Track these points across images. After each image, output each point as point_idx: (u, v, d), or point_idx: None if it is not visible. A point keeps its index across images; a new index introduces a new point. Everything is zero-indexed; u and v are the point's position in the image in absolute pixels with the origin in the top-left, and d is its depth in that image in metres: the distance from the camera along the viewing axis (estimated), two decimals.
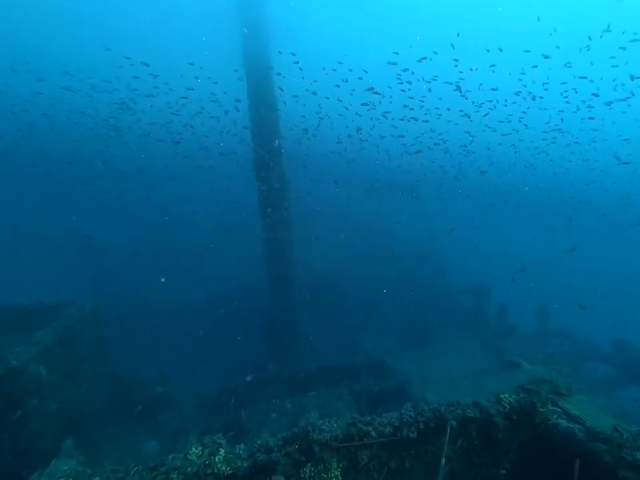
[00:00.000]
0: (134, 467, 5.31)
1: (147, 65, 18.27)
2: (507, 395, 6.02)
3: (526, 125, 24.74)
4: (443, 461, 5.40)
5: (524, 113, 26.52)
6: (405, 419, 5.77)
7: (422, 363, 15.33)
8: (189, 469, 4.81)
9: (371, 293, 21.41)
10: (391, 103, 23.74)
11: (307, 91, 19.81)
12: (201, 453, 5.19)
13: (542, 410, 5.69)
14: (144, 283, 21.56)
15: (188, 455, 5.20)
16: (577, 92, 24.39)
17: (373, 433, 5.63)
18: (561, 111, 27.40)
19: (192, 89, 18.56)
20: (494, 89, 21.46)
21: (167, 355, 16.29)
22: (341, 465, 5.50)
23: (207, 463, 5.07)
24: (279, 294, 16.02)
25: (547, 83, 23.82)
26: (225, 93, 19.31)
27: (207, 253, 23.85)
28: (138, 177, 31.56)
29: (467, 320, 19.18)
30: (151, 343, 17.10)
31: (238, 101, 17.07)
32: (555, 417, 5.58)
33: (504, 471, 5.90)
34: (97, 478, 5.16)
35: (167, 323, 18.47)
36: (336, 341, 18.15)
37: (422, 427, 5.73)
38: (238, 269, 21.87)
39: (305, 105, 24.24)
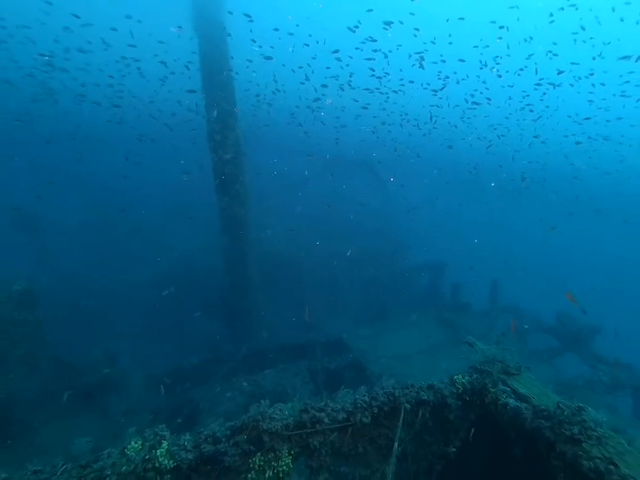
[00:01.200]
0: (62, 466, 4.78)
1: (77, 17, 16.30)
2: (460, 377, 6.02)
3: (489, 100, 24.78)
4: (396, 444, 5.33)
5: (487, 89, 26.64)
6: (358, 404, 5.64)
7: (377, 339, 15.48)
8: (124, 468, 4.43)
9: (329, 270, 21.32)
10: (351, 77, 23.17)
11: (262, 56, 18.63)
12: (140, 447, 4.81)
13: (492, 390, 5.73)
14: (90, 261, 20.34)
15: (126, 450, 4.81)
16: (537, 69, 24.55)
17: (326, 420, 5.47)
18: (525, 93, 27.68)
19: (134, 46, 16.74)
20: (459, 62, 21.22)
21: (117, 336, 15.52)
22: (292, 452, 5.32)
23: (146, 457, 4.71)
24: (235, 272, 15.55)
25: (506, 57, 23.82)
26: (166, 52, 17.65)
27: (160, 229, 22.76)
28: (73, 144, 29.08)
29: (422, 297, 19.56)
30: (99, 324, 16.21)
31: (187, 67, 15.89)
32: (504, 396, 5.64)
33: (454, 449, 5.96)
34: None
35: (117, 303, 17.56)
36: (293, 319, 18.01)
37: (376, 411, 5.63)
38: (192, 246, 21.05)
39: (254, 72, 22.80)
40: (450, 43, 21.95)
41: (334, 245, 22.11)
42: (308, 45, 20.28)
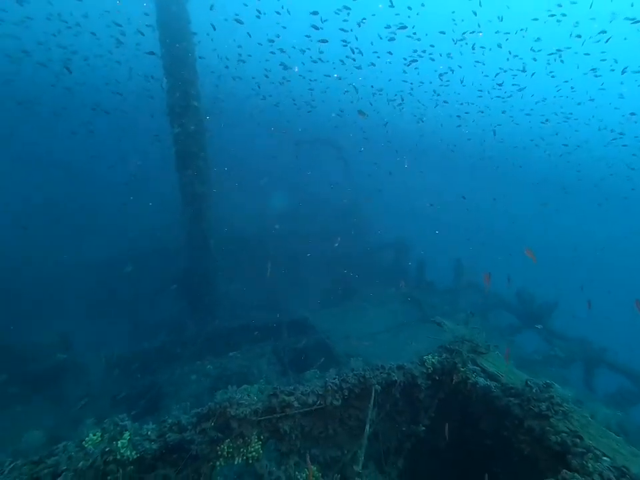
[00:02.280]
0: (10, 464, 4.35)
1: None
2: (429, 357, 6.05)
3: (461, 82, 24.84)
4: (367, 426, 5.29)
5: (460, 67, 26.66)
6: (329, 387, 5.55)
7: (343, 318, 15.54)
8: (82, 463, 4.12)
9: (294, 249, 21.11)
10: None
11: (226, 20, 17.54)
12: (99, 439, 4.51)
13: (462, 369, 5.78)
14: (41, 240, 19.08)
15: (83, 443, 4.50)
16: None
17: (296, 403, 5.34)
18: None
19: None
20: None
21: (72, 319, 14.72)
22: (261, 438, 5.18)
23: (107, 449, 4.42)
24: (196, 251, 15.03)
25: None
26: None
27: (117, 207, 21.61)
28: (21, 113, 26.82)
29: (387, 276, 19.77)
30: (52, 307, 15.30)
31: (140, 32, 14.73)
32: (474, 375, 5.70)
33: (423, 428, 6.02)
34: None
35: (72, 284, 16.62)
36: (257, 300, 17.76)
37: (346, 393, 5.56)
38: (152, 224, 20.18)
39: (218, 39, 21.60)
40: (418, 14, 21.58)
41: (298, 224, 21.87)
42: (279, 14, 19.29)
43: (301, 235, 21.33)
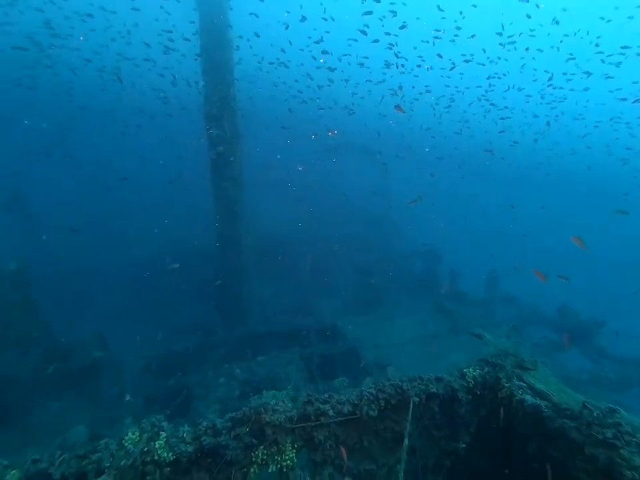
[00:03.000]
0: (60, 456, 4.58)
1: None
2: (470, 370, 5.80)
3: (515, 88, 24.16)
4: (406, 440, 5.11)
5: (506, 73, 25.93)
6: (365, 396, 5.41)
7: (373, 326, 15.29)
8: (123, 462, 4.14)
9: (324, 255, 21.02)
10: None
11: (256, 37, 17.79)
12: (138, 438, 4.53)
13: (507, 385, 5.51)
14: (82, 241, 19.72)
15: (123, 442, 4.53)
16: None
17: (331, 412, 5.23)
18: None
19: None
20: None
21: (108, 317, 15.09)
22: (295, 446, 5.09)
23: (145, 450, 4.44)
24: (228, 254, 15.14)
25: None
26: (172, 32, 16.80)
27: (152, 210, 22.15)
28: (74, 121, 28.09)
29: (418, 284, 19.38)
30: (90, 305, 15.75)
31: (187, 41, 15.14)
32: (520, 392, 5.40)
33: (464, 445, 5.77)
34: (15, 471, 4.39)
35: (108, 284, 17.08)
36: (287, 304, 17.73)
37: (383, 404, 5.40)
38: (185, 227, 20.53)
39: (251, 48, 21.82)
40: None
41: (330, 230, 21.78)
42: (325, 20, 19.22)
43: (332, 240, 21.24)
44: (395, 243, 23.79)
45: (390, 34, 17.58)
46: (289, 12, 20.96)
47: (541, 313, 16.07)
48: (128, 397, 9.59)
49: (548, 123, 29.85)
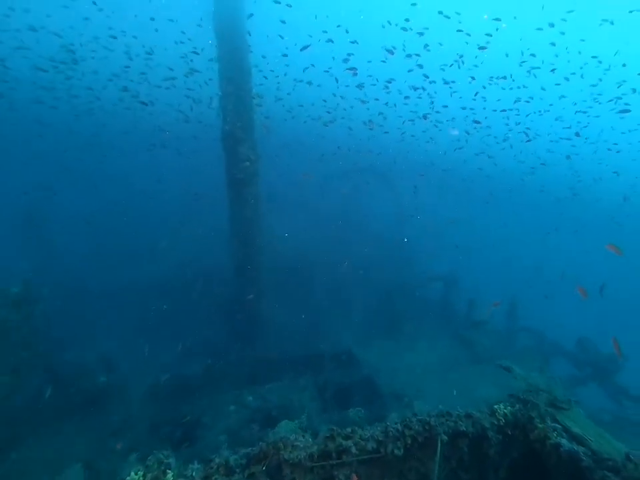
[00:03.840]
0: None
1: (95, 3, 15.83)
2: (501, 406, 5.34)
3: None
4: None
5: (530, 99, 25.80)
6: (390, 433, 5.00)
7: (389, 353, 14.84)
8: None
9: (339, 279, 20.69)
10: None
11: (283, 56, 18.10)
12: (142, 478, 4.19)
13: (541, 426, 5.04)
14: (90, 260, 19.74)
15: None
16: None
17: (354, 449, 4.82)
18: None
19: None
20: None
21: (115, 340, 14.85)
22: None
23: None
24: (244, 276, 14.93)
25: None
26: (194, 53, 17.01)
27: (166, 229, 22.15)
28: (92, 140, 28.66)
29: (435, 311, 18.86)
30: (96, 327, 15.54)
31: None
32: (554, 435, 4.91)
33: None
34: None
35: (120, 304, 16.91)
36: (302, 328, 17.33)
37: (409, 441, 4.98)
38: (199, 247, 20.43)
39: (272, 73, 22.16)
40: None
41: (345, 254, 21.51)
42: (356, 43, 19.44)
43: (346, 265, 20.92)
44: (411, 268, 23.35)
45: (413, 55, 17.73)
46: (311, 35, 21.35)
47: (560, 345, 15.33)
48: (119, 446, 9.14)
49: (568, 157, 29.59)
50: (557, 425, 5.06)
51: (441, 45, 25.32)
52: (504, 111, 25.28)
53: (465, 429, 5.12)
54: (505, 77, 24.10)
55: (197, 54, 15.78)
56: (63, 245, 21.53)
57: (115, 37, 17.87)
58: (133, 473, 4.10)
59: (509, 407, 5.37)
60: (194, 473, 4.45)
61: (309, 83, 21.29)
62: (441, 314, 18.33)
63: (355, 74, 14.95)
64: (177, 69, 17.92)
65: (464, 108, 25.70)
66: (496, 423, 5.23)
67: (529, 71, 24.44)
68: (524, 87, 24.61)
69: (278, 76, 21.84)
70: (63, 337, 12.57)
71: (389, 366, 13.72)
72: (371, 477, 5.06)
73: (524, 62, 22.63)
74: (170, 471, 4.25)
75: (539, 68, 24.64)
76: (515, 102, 23.67)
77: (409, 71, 19.68)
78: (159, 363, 13.55)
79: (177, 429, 10.51)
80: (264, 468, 4.46)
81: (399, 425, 5.09)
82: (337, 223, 23.61)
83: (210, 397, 12.06)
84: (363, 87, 20.36)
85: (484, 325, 16.24)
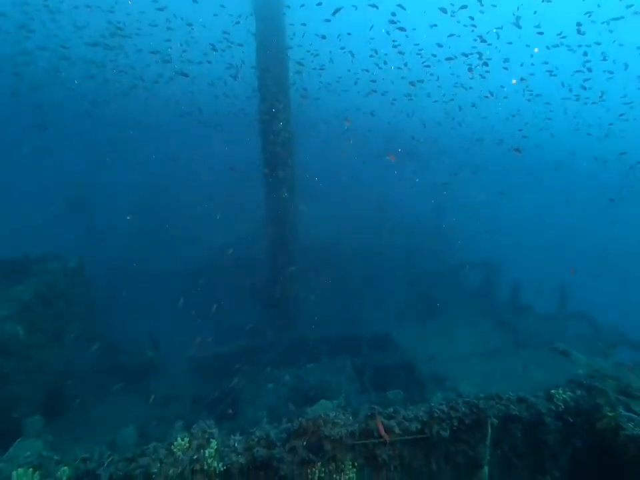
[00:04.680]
0: (108, 457, 4.40)
1: None
2: (560, 391, 4.97)
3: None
4: (486, 468, 4.42)
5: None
6: (435, 414, 4.78)
7: (428, 338, 14.43)
8: (172, 470, 3.80)
9: (375, 263, 20.36)
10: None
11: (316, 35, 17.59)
12: (187, 445, 4.19)
13: (611, 414, 4.62)
14: (138, 242, 20.36)
15: (172, 448, 4.21)
16: None
17: (397, 429, 4.64)
18: None
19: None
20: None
21: (159, 318, 15.32)
22: (355, 464, 4.55)
23: (195, 458, 4.10)
24: (279, 258, 14.91)
25: None
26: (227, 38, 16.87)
27: (205, 213, 22.49)
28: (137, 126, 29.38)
29: (475, 296, 18.22)
30: (143, 306, 16.08)
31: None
32: (630, 425, 4.46)
33: None
34: (65, 468, 4.23)
35: (160, 285, 17.40)
36: (336, 312, 17.20)
37: (455, 423, 4.74)
38: (237, 230, 20.62)
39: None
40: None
41: (382, 237, 21.10)
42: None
43: (381, 248, 20.54)
44: (450, 252, 22.65)
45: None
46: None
47: (621, 333, 14.32)
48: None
49: None
50: (631, 415, 4.60)
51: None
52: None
53: (517, 413, 4.82)
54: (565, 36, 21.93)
55: (238, 23, 15.52)
56: (111, 228, 22.30)
57: (161, 9, 17.84)
58: (179, 439, 4.13)
59: (569, 392, 4.99)
60: (236, 444, 4.42)
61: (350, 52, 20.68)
62: (482, 300, 17.66)
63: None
64: (216, 43, 17.77)
65: (523, 79, 23.90)
66: (554, 408, 4.89)
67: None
68: (596, 44, 22.09)
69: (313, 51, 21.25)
70: (114, 314, 13.09)
71: (427, 350, 13.37)
72: (416, 457, 4.88)
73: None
74: (214, 440, 4.23)
75: None
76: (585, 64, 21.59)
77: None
78: (198, 342, 13.86)
79: (218, 403, 10.71)
80: (304, 443, 4.36)
81: (444, 406, 4.87)
82: (374, 206, 23.14)
83: (248, 376, 12.20)
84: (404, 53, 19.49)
85: (529, 310, 15.49)
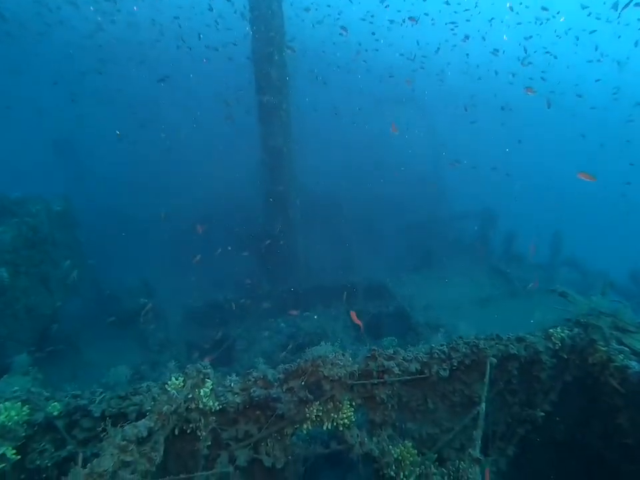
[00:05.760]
0: (100, 394, 4.33)
1: None
2: (558, 330, 4.94)
3: None
4: (483, 405, 4.43)
5: None
6: (435, 354, 4.73)
7: (423, 286, 14.46)
8: (166, 407, 3.72)
9: (371, 213, 20.12)
10: None
11: None
12: (182, 384, 4.11)
13: (604, 348, 4.64)
14: (131, 189, 19.78)
15: (167, 387, 4.13)
16: None
17: (396, 370, 4.60)
18: None
19: None
20: None
21: (153, 265, 15.15)
22: (354, 404, 4.53)
23: (190, 396, 4.02)
24: (274, 208, 14.60)
25: None
26: None
27: (200, 160, 21.75)
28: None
29: (470, 246, 18.20)
30: (136, 252, 15.84)
31: None
32: (621, 357, 4.55)
33: (542, 414, 5.02)
34: (56, 403, 4.16)
35: (155, 233, 17.09)
36: (333, 261, 17.13)
37: (455, 364, 4.71)
38: (232, 179, 20.05)
39: None
40: None
41: (377, 187, 20.70)
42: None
43: (378, 197, 20.21)
44: (444, 201, 22.40)
45: None
46: None
47: (608, 277, 14.53)
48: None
49: None
50: (623, 348, 4.68)
51: None
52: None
53: (516, 352, 4.79)
54: None
55: None
56: (101, 171, 21.50)
57: None
58: (173, 378, 4.04)
59: (567, 331, 4.97)
60: (232, 384, 4.37)
61: None
62: (477, 249, 17.65)
63: None
64: None
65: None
66: (551, 346, 4.87)
67: None
68: None
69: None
70: (106, 260, 12.88)
71: (422, 299, 13.42)
72: (413, 397, 4.89)
73: None
74: (209, 380, 4.15)
75: None
76: None
77: None
78: (193, 290, 13.80)
79: (213, 349, 10.79)
80: (302, 383, 4.30)
81: (445, 347, 4.81)
82: (370, 157, 22.50)
83: (244, 324, 12.26)
84: None
85: (522, 259, 15.55)
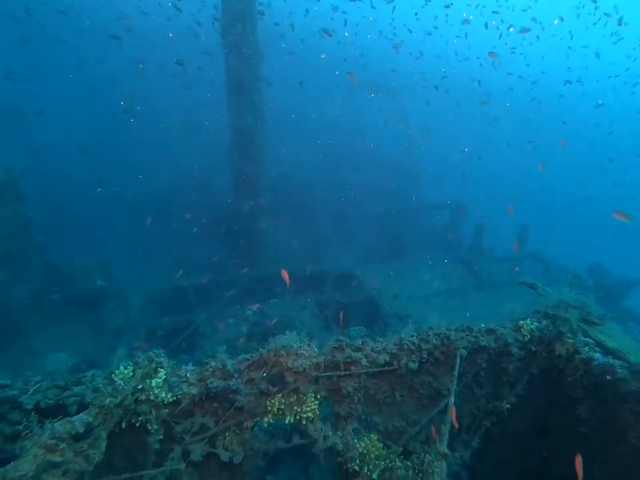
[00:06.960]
0: (35, 384, 3.89)
1: None
2: (528, 322, 4.88)
3: None
4: (452, 398, 4.29)
5: None
6: (405, 346, 4.54)
7: (391, 277, 14.42)
8: (108, 400, 3.34)
9: (342, 202, 19.90)
10: None
11: None
12: (131, 374, 3.74)
13: (571, 341, 4.62)
14: (88, 165, 18.61)
15: (113, 376, 3.75)
16: None
17: (364, 361, 4.38)
18: None
19: None
20: None
21: (112, 247, 14.35)
22: (318, 397, 4.29)
23: (139, 387, 3.66)
24: (242, 192, 14.11)
25: None
26: None
27: (165, 139, 20.78)
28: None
29: (440, 238, 18.32)
30: (93, 233, 14.94)
31: None
32: (586, 349, 4.59)
33: (508, 406, 4.97)
34: None
35: (114, 213, 16.19)
36: (302, 249, 16.84)
37: (425, 355, 4.54)
38: (198, 159, 19.27)
39: None
40: None
41: (348, 176, 20.47)
42: None
43: (349, 186, 19.98)
44: (416, 193, 22.41)
45: None
46: None
47: (568, 271, 14.97)
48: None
49: None
50: (589, 340, 4.74)
51: None
52: None
53: (486, 344, 4.68)
54: None
55: None
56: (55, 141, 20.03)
57: None
58: (122, 367, 3.65)
59: (536, 323, 4.92)
60: (188, 374, 4.03)
61: None
62: (447, 241, 17.78)
63: None
64: None
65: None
66: (520, 338, 4.80)
67: None
68: None
69: None
70: (58, 237, 12.00)
71: (391, 289, 13.38)
72: (380, 389, 4.72)
73: None
74: (162, 370, 3.79)
75: None
76: None
77: None
78: (155, 274, 13.20)
79: (174, 336, 10.33)
80: (264, 374, 4.01)
81: (415, 338, 4.63)
82: (340, 142, 22.16)
83: (208, 310, 11.85)
84: None
85: (489, 252, 15.78)
